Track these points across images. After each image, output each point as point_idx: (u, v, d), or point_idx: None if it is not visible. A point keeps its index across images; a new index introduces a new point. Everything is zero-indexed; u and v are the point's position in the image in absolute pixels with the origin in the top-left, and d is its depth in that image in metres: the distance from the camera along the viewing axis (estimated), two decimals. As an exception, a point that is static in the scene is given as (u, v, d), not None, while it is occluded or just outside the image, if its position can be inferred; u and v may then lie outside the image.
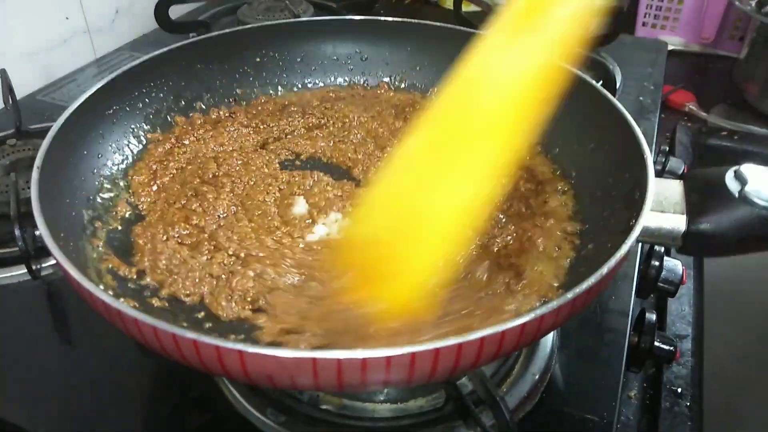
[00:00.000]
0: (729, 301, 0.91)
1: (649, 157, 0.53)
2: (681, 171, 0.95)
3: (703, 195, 0.50)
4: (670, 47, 1.34)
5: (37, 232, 0.60)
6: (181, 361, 0.41)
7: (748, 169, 0.51)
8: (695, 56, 1.43)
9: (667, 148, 0.97)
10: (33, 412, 0.58)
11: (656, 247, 0.75)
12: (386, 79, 0.87)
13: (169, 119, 0.76)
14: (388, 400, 0.58)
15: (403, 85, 0.86)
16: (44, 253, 0.69)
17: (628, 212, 0.53)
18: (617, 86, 1.04)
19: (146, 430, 0.58)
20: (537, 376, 0.60)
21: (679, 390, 0.71)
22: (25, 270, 0.69)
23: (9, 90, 0.87)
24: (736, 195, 0.49)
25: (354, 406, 0.58)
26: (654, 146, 0.96)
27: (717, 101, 1.26)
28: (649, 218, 0.49)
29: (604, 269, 0.44)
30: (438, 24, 0.81)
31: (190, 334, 0.39)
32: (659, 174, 0.89)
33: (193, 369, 0.42)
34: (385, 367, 0.38)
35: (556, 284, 0.56)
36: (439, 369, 0.39)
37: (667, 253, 0.78)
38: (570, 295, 0.42)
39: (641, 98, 1.08)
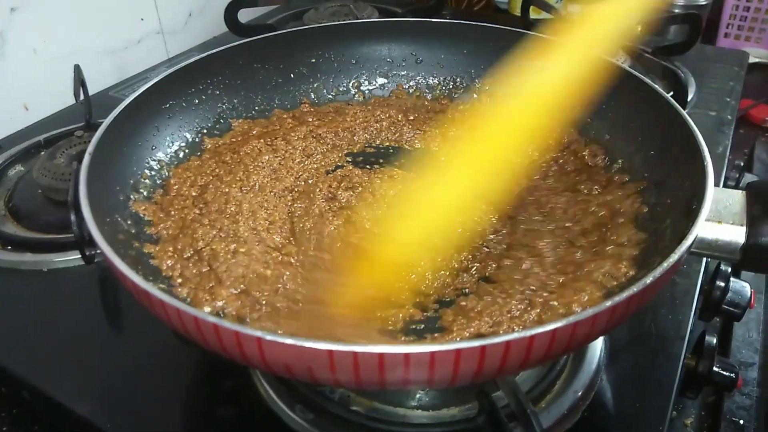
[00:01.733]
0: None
1: (709, 163, 0.49)
2: (757, 188, 0.88)
3: (767, 206, 0.46)
4: (755, 60, 1.26)
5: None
6: (205, 346, 0.41)
7: (818, 179, 0.46)
8: (781, 69, 1.34)
9: (742, 164, 0.91)
10: (77, 391, 0.60)
11: (722, 266, 0.70)
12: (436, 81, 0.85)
13: (224, 118, 0.77)
14: (420, 407, 0.56)
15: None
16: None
17: (686, 222, 0.50)
18: (689, 97, 0.98)
19: (180, 415, 0.59)
20: (579, 393, 0.57)
21: (741, 422, 0.65)
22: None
23: (81, 84, 0.92)
24: (804, 207, 0.45)
25: (385, 409, 0.56)
26: (727, 161, 0.90)
27: (804, 118, 1.18)
28: (705, 228, 0.46)
29: (648, 279, 0.41)
30: (495, 26, 0.79)
31: (212, 319, 0.39)
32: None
33: (219, 355, 0.42)
34: (403, 364, 0.37)
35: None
36: (460, 371, 0.37)
37: (736, 274, 0.73)
38: (609, 303, 0.39)
39: (717, 111, 1.02)
